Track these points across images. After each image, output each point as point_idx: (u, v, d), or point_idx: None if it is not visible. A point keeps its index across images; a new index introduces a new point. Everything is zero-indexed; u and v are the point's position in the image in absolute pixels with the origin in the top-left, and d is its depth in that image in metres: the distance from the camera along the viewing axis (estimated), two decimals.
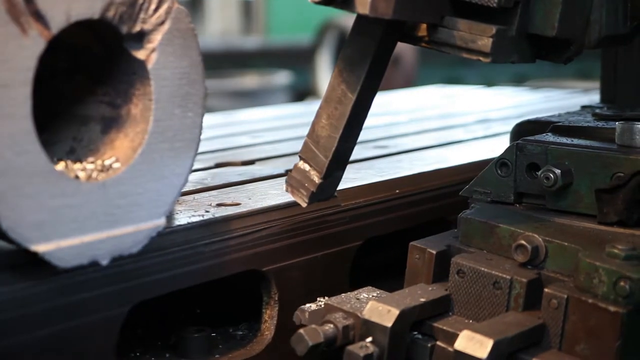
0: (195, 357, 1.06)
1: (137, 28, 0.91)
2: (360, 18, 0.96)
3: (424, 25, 0.94)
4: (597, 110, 1.35)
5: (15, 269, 0.87)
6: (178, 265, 1.00)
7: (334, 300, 1.00)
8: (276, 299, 1.10)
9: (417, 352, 0.96)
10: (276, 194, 1.17)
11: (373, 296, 1.01)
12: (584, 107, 1.51)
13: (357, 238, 1.20)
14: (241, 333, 1.13)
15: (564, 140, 1.09)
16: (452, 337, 0.92)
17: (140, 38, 0.92)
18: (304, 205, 1.04)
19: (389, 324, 0.92)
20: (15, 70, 0.82)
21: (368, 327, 0.94)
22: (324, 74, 6.66)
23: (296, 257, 1.13)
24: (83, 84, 0.98)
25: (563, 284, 0.92)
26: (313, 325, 0.96)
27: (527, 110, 2.27)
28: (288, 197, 1.09)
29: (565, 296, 0.90)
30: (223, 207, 1.11)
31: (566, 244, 0.95)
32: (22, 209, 0.83)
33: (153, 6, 0.92)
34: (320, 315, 0.99)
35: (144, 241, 0.93)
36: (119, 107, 0.96)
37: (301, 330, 0.95)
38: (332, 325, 0.96)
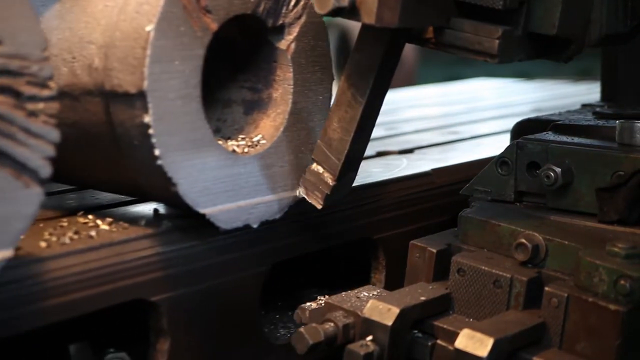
0: None
1: (280, 22, 1.06)
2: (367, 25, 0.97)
3: (431, 27, 0.94)
4: (598, 109, 1.35)
5: (183, 231, 1.01)
6: (307, 232, 1.14)
7: (335, 299, 1.00)
8: (384, 264, 1.22)
9: (417, 350, 0.96)
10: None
11: (373, 295, 1.01)
12: (584, 106, 1.52)
13: (448, 213, 1.30)
14: None
15: (564, 138, 1.09)
16: (452, 336, 0.92)
17: (282, 30, 1.06)
18: (319, 207, 1.05)
19: (390, 323, 0.92)
20: (190, 59, 0.96)
21: (368, 326, 0.94)
22: None
23: (401, 227, 1.26)
24: (225, 72, 1.12)
25: (563, 282, 0.92)
26: (313, 324, 0.96)
27: (574, 100, 2.32)
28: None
29: (566, 295, 0.90)
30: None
31: (566, 242, 0.95)
32: (193, 178, 0.97)
33: (292, 2, 1.06)
34: (321, 314, 0.99)
35: (285, 208, 1.08)
36: (260, 92, 1.10)
37: (301, 329, 0.95)
38: (332, 324, 0.96)
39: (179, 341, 1.00)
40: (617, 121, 1.08)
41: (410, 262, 1.04)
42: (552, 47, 0.96)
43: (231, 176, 1.01)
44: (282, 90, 1.08)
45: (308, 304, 1.02)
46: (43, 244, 0.93)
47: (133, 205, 1.12)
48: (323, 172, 1.03)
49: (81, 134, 1.01)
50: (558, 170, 1.02)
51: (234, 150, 1.04)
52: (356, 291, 1.02)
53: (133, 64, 0.93)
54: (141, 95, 0.92)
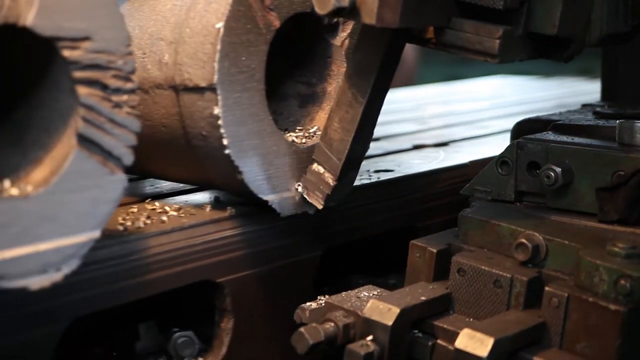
0: None
1: (335, 19, 1.11)
2: (367, 25, 0.97)
3: (431, 27, 0.94)
4: (598, 109, 1.35)
5: (246, 216, 1.08)
6: (359, 219, 1.22)
7: (335, 299, 1.00)
8: None
9: (417, 350, 0.96)
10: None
11: (374, 294, 1.01)
12: (584, 106, 1.52)
13: None
14: (392, 282, 1.24)
15: (564, 138, 1.09)
16: (452, 336, 0.92)
17: (336, 27, 1.13)
18: (319, 207, 1.05)
19: (390, 323, 0.92)
20: (255, 54, 1.02)
21: (369, 326, 0.94)
22: None
23: (442, 216, 1.31)
24: (280, 66, 1.17)
25: (564, 282, 0.92)
26: (313, 324, 0.96)
27: (595, 97, 2.37)
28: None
29: (566, 295, 0.90)
30: (380, 172, 1.34)
31: (567, 242, 0.95)
32: (258, 166, 1.03)
33: None
34: (321, 314, 0.99)
35: (341, 196, 1.10)
36: (315, 86, 1.18)
37: (302, 329, 0.95)
38: (332, 324, 0.96)
39: (242, 320, 1.07)
40: (617, 121, 1.08)
41: (410, 262, 1.04)
42: (553, 47, 0.96)
43: (290, 165, 1.08)
44: (336, 84, 1.15)
45: (308, 303, 1.02)
46: (120, 228, 1.00)
47: (193, 194, 1.19)
48: (324, 172, 1.04)
49: (149, 125, 1.06)
50: (558, 170, 1.02)
51: (293, 141, 1.10)
52: (356, 291, 1.02)
53: (203, 59, 0.99)
54: (211, 89, 0.98)
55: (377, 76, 0.98)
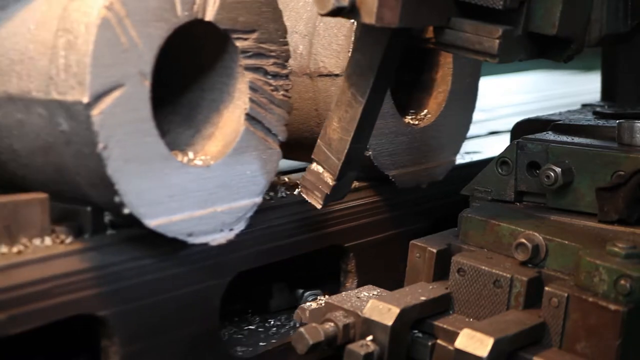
0: None
1: None
2: (367, 24, 0.97)
3: (431, 27, 0.94)
4: (598, 109, 1.35)
5: (372, 188, 1.23)
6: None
7: (335, 299, 1.00)
8: None
9: (417, 350, 0.96)
10: None
11: (373, 294, 1.01)
12: (584, 106, 1.52)
13: None
14: None
15: (564, 138, 1.09)
16: (452, 336, 0.92)
17: None
18: (318, 207, 1.05)
19: (390, 323, 0.92)
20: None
21: (368, 326, 0.94)
22: None
23: None
24: None
25: (563, 282, 0.92)
26: (313, 324, 0.96)
27: None
28: None
29: (566, 295, 0.90)
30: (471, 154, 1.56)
31: (567, 242, 0.95)
32: (382, 144, 1.19)
33: None
34: (321, 314, 0.99)
35: (446, 172, 1.29)
36: (423, 74, 1.30)
37: (302, 329, 0.95)
38: (332, 324, 0.96)
39: (363, 281, 1.16)
40: (617, 121, 1.08)
41: (410, 262, 1.04)
42: (553, 47, 0.96)
43: (408, 143, 1.23)
44: (443, 72, 1.28)
45: (308, 303, 1.02)
46: (267, 197, 1.10)
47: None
48: (323, 172, 1.03)
49: None
50: (558, 170, 1.02)
51: (408, 123, 1.25)
52: (356, 291, 1.02)
53: (337, 49, 1.15)
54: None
55: (376, 76, 0.98)
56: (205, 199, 0.96)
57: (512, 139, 1.26)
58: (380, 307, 0.94)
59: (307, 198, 1.05)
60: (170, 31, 0.91)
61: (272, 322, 1.16)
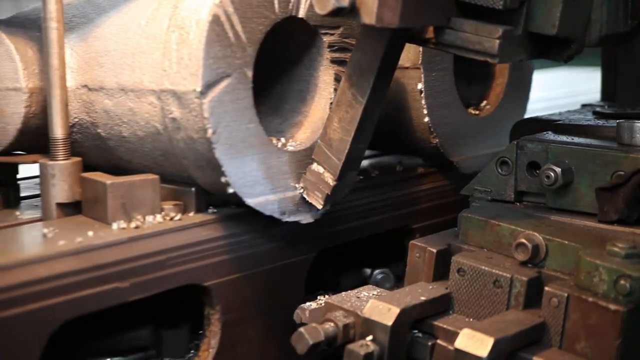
0: None
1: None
2: (367, 25, 0.97)
3: (431, 27, 0.94)
4: (598, 109, 1.35)
5: (437, 173, 1.35)
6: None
7: (335, 299, 1.00)
8: None
9: (417, 350, 0.96)
10: None
11: (373, 294, 1.01)
12: (584, 106, 1.52)
13: None
14: None
15: (564, 138, 1.09)
16: (452, 336, 0.92)
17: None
18: (319, 207, 1.05)
19: (390, 323, 0.92)
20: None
21: (368, 326, 0.94)
22: None
23: None
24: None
25: (563, 282, 0.92)
26: (313, 324, 0.96)
27: None
28: None
29: (566, 294, 0.90)
30: None
31: (566, 242, 0.95)
32: (451, 132, 1.31)
33: None
34: (321, 314, 0.99)
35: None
36: (482, 67, 1.39)
37: (302, 329, 0.95)
38: (332, 324, 0.96)
39: None
40: (616, 121, 1.08)
41: (410, 262, 1.04)
42: (553, 47, 0.96)
43: (471, 132, 1.34)
44: (500, 65, 1.39)
45: (308, 303, 1.02)
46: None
47: (380, 157, 1.43)
48: (323, 172, 1.04)
49: None
50: (558, 170, 1.02)
51: (471, 113, 1.36)
52: (356, 291, 1.02)
53: (410, 47, 1.19)
54: (415, 68, 1.25)
55: (376, 76, 0.98)
56: (297, 181, 1.06)
57: (511, 139, 1.26)
58: (380, 307, 0.94)
59: (307, 198, 1.05)
60: (270, 27, 1.01)
61: None
